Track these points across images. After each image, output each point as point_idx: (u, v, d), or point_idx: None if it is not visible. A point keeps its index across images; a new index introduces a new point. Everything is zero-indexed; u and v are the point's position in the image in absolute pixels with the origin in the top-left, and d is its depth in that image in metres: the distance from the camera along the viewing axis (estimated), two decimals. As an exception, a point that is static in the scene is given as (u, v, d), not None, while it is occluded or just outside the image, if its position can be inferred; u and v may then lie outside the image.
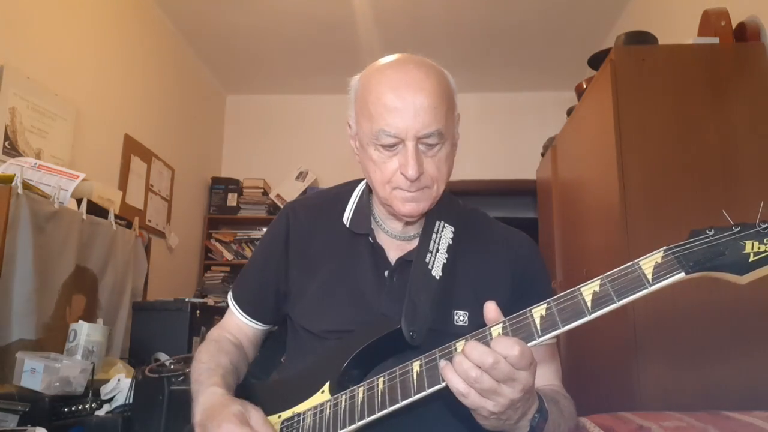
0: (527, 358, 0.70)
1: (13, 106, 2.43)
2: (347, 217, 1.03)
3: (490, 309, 0.77)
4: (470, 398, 0.71)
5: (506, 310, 0.95)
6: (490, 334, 0.75)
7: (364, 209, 1.02)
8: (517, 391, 0.70)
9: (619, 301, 0.69)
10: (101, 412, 1.75)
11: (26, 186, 1.95)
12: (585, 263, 2.54)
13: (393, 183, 0.91)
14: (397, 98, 0.86)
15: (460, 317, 0.94)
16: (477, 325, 0.92)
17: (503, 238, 1.04)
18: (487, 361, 0.69)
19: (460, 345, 0.77)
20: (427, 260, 0.94)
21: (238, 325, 1.10)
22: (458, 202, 1.08)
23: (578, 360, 2.41)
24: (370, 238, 1.01)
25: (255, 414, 0.83)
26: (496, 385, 0.70)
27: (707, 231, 0.70)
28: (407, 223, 1.00)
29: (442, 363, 0.74)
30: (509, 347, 0.69)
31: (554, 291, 0.98)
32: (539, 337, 0.72)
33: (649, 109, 2.07)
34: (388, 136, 0.87)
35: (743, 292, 0.70)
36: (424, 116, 0.85)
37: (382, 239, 1.01)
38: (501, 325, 0.75)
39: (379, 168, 0.91)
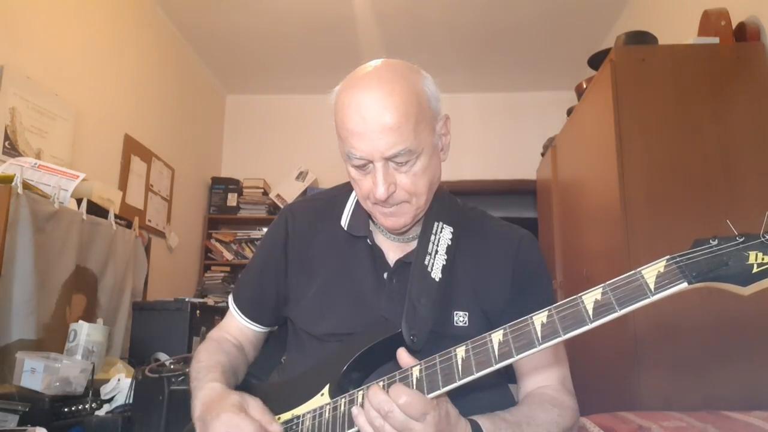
0: (416, 408, 0.71)
1: (13, 106, 2.43)
2: (345, 219, 1.03)
3: (402, 356, 0.81)
4: None
5: (506, 305, 0.95)
6: (491, 340, 0.75)
7: (362, 211, 1.02)
8: None
9: (620, 310, 0.68)
10: (101, 412, 1.74)
11: (26, 186, 1.94)
12: (585, 263, 2.54)
13: (371, 199, 0.91)
14: (360, 121, 0.85)
15: (460, 318, 0.94)
16: (477, 325, 0.92)
17: (502, 234, 1.03)
18: (384, 408, 0.72)
19: (459, 350, 0.76)
20: (426, 262, 0.94)
21: (238, 327, 1.11)
22: (457, 202, 1.07)
23: (579, 362, 2.40)
24: (368, 240, 1.00)
25: (253, 403, 0.84)
26: None
27: (711, 241, 0.69)
28: None
29: (355, 411, 0.78)
30: (397, 395, 0.72)
31: (554, 291, 0.98)
32: (540, 344, 0.71)
33: (649, 109, 2.07)
34: (355, 158, 0.88)
35: (744, 298, 0.69)
36: (387, 137, 0.84)
37: (381, 241, 1.01)
38: (502, 331, 0.75)
39: (357, 184, 0.93)
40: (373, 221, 1.02)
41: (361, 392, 0.82)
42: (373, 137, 0.85)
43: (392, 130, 0.84)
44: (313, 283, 1.00)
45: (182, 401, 1.51)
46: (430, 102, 0.91)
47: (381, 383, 0.79)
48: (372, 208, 0.94)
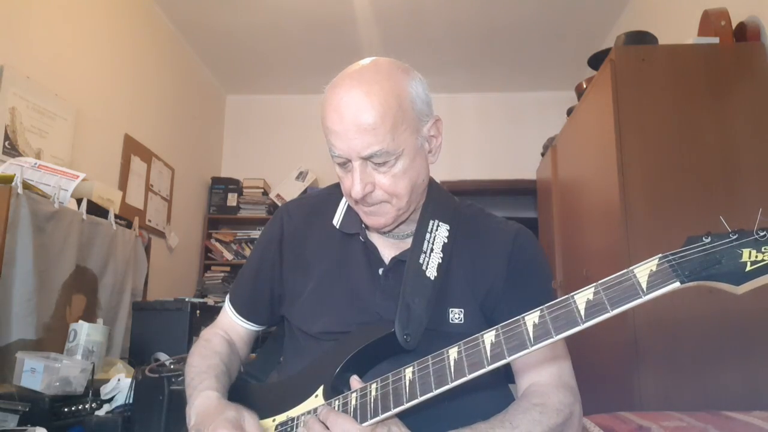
0: None
1: (13, 106, 2.43)
2: (338, 218, 1.03)
3: (352, 382, 0.85)
4: None
5: (502, 299, 0.95)
6: (483, 341, 0.74)
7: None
8: None
9: (612, 310, 0.67)
10: (101, 412, 1.74)
11: (26, 186, 1.94)
12: (585, 263, 2.54)
13: (353, 198, 0.92)
14: (338, 120, 0.86)
15: (456, 315, 0.93)
16: (473, 322, 0.92)
17: (499, 230, 1.02)
18: None
19: (452, 351, 0.76)
20: (420, 261, 0.93)
21: (231, 324, 1.11)
22: (454, 200, 1.06)
23: (578, 362, 2.40)
24: (361, 237, 1.00)
25: (249, 419, 0.84)
26: None
27: (704, 238, 0.67)
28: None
29: None
30: (325, 419, 0.77)
31: (554, 291, 0.97)
32: (532, 345, 0.70)
33: (649, 109, 2.07)
34: (335, 156, 0.89)
35: (743, 295, 0.68)
36: (363, 137, 0.85)
37: (375, 238, 1.01)
38: (494, 332, 0.74)
39: (342, 182, 0.94)
40: None
41: (354, 394, 0.82)
42: (350, 137, 0.85)
43: (367, 131, 0.85)
44: (308, 281, 1.00)
45: (182, 401, 1.51)
46: (414, 103, 0.90)
47: (318, 411, 0.83)
48: (356, 206, 0.95)
